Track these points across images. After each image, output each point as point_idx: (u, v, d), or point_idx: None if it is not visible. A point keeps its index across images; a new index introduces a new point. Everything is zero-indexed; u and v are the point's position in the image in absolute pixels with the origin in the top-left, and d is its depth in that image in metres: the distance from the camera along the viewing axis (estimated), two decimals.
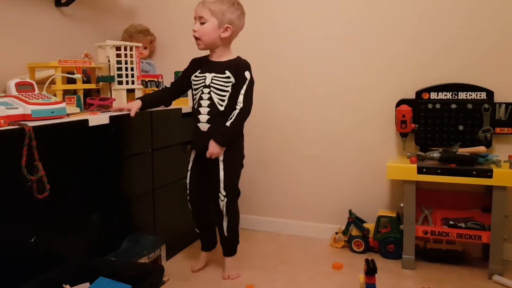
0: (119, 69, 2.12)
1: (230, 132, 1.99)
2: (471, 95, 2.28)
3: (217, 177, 2.05)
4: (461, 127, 2.30)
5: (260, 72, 2.71)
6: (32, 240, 1.51)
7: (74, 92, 2.00)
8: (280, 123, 2.71)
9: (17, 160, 1.41)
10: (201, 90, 2.02)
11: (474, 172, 2.09)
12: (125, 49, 2.13)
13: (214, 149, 2.00)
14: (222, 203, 2.06)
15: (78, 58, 2.17)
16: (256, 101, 2.72)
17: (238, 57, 2.07)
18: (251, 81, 2.02)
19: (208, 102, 2.00)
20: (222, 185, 2.05)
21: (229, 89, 1.99)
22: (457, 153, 2.18)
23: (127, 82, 2.15)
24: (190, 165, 2.15)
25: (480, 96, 2.27)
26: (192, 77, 2.07)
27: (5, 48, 2.06)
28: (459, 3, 2.31)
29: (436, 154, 2.19)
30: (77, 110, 1.91)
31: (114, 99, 2.10)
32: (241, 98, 1.99)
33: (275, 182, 2.76)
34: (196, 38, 2.01)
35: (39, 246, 1.53)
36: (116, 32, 2.77)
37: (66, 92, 1.97)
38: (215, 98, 1.99)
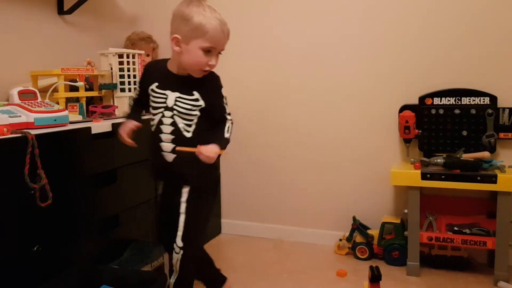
0: (122, 76, 2.12)
1: (226, 141, 1.62)
2: (474, 100, 2.28)
3: (176, 219, 1.65)
4: (464, 133, 2.29)
5: (261, 77, 2.72)
6: (35, 248, 1.50)
7: (77, 99, 2.00)
8: (282, 129, 2.70)
9: (20, 168, 1.41)
10: (162, 112, 1.61)
11: (479, 178, 2.08)
12: (128, 56, 2.14)
13: (212, 151, 1.54)
14: (177, 256, 1.65)
15: (81, 66, 2.17)
16: (258, 107, 2.74)
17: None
18: (224, 95, 1.66)
19: (171, 128, 1.60)
20: (180, 233, 1.63)
21: (197, 112, 1.60)
22: (461, 158, 2.17)
23: (129, 90, 2.15)
24: (159, 199, 1.82)
25: (483, 101, 2.26)
26: (149, 91, 1.65)
27: (8, 56, 2.07)
28: (462, 8, 2.31)
29: (440, 160, 2.18)
30: (80, 118, 1.91)
31: (117, 107, 2.10)
32: (228, 116, 1.65)
33: (278, 188, 2.75)
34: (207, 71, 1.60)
35: (42, 254, 1.52)
36: (119, 40, 2.78)
37: (68, 100, 1.97)
38: (180, 124, 1.60)
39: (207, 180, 1.68)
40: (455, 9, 2.32)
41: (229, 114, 1.66)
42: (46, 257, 1.55)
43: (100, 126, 1.80)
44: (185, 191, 1.63)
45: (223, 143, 1.60)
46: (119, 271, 1.68)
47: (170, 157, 1.61)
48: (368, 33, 2.48)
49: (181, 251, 1.63)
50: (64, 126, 1.70)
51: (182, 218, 1.62)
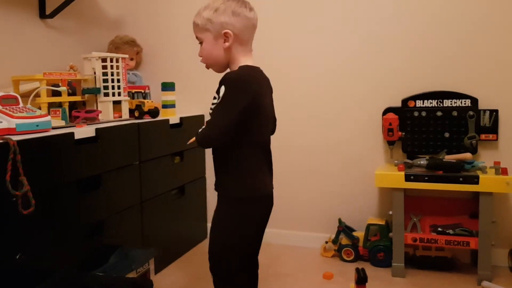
0: (105, 81, 2.10)
1: (198, 135, 1.48)
2: (456, 102, 2.31)
3: None
4: (447, 134, 2.32)
5: None
6: (18, 256, 1.47)
7: (60, 104, 1.97)
8: None
9: (2, 175, 1.38)
10: None
11: (461, 179, 2.11)
12: (111, 60, 2.12)
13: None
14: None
15: (64, 70, 2.15)
16: None
17: (238, 68, 1.49)
18: (225, 97, 1.41)
19: None
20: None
21: None
22: (444, 160, 2.20)
23: (113, 94, 2.13)
24: None
25: (464, 104, 2.30)
26: None
27: None
28: (444, 13, 2.34)
29: (423, 162, 2.21)
30: (63, 123, 1.89)
31: (100, 111, 2.08)
32: (208, 120, 1.45)
33: None
34: (207, 64, 1.56)
35: (25, 262, 1.50)
36: (102, 44, 2.75)
37: (51, 105, 1.95)
38: None
39: (233, 189, 1.49)
40: (438, 14, 2.35)
41: (209, 120, 1.44)
42: (29, 265, 1.52)
43: (83, 131, 1.78)
44: (217, 203, 1.53)
45: (197, 135, 1.49)
46: (104, 278, 1.66)
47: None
48: (351, 37, 2.50)
49: (211, 273, 1.53)
50: (47, 131, 1.67)
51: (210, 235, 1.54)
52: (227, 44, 1.48)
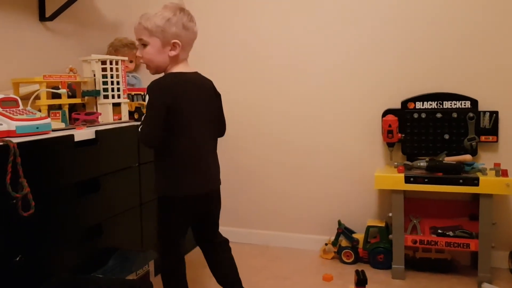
0: (105, 83, 2.10)
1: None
2: (455, 104, 2.31)
3: None
4: (446, 136, 2.32)
5: (245, 82, 2.72)
6: (17, 258, 1.47)
7: (59, 107, 1.97)
8: (267, 135, 2.71)
9: (2, 177, 1.38)
10: None
11: (461, 181, 2.11)
12: (111, 63, 2.12)
13: None
14: None
15: (63, 73, 2.15)
16: (242, 114, 2.74)
17: (163, 76, 1.69)
18: (147, 104, 1.60)
19: None
20: None
21: None
22: (444, 162, 2.20)
23: (113, 96, 2.13)
24: None
25: (464, 105, 2.30)
26: None
27: None
28: (443, 14, 2.35)
29: (423, 163, 2.21)
30: (63, 125, 1.89)
31: (100, 114, 2.08)
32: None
33: (263, 194, 2.75)
34: (146, 64, 1.71)
35: (24, 264, 1.50)
36: (101, 46, 2.76)
37: (51, 107, 1.95)
38: None
39: (159, 191, 1.71)
40: (437, 16, 2.36)
41: (141, 123, 1.60)
42: (29, 267, 1.52)
43: (83, 133, 1.78)
44: None
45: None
46: (103, 280, 1.66)
47: None
48: (351, 39, 2.51)
49: None
50: (47, 134, 1.67)
51: None
52: (173, 52, 1.63)
